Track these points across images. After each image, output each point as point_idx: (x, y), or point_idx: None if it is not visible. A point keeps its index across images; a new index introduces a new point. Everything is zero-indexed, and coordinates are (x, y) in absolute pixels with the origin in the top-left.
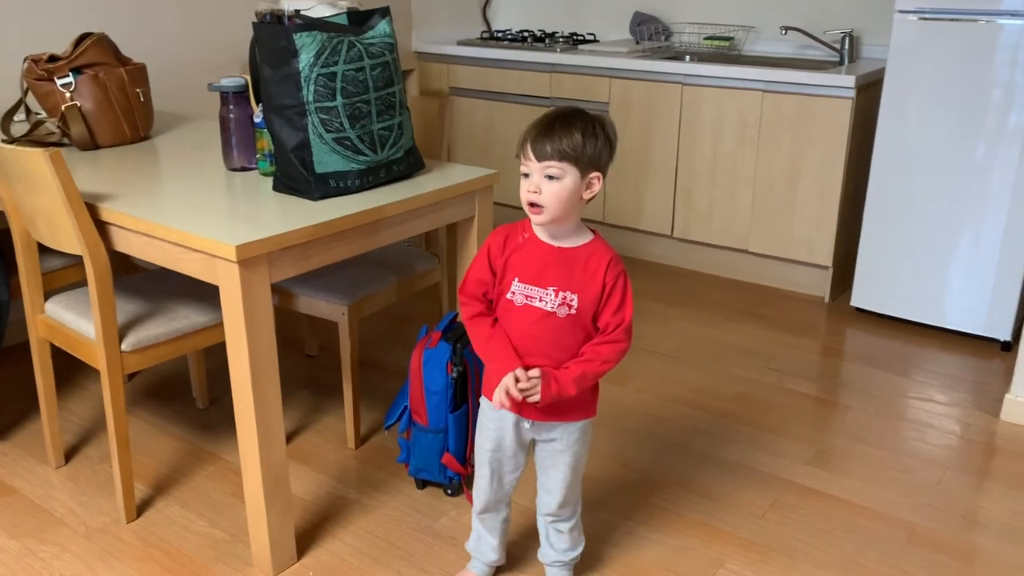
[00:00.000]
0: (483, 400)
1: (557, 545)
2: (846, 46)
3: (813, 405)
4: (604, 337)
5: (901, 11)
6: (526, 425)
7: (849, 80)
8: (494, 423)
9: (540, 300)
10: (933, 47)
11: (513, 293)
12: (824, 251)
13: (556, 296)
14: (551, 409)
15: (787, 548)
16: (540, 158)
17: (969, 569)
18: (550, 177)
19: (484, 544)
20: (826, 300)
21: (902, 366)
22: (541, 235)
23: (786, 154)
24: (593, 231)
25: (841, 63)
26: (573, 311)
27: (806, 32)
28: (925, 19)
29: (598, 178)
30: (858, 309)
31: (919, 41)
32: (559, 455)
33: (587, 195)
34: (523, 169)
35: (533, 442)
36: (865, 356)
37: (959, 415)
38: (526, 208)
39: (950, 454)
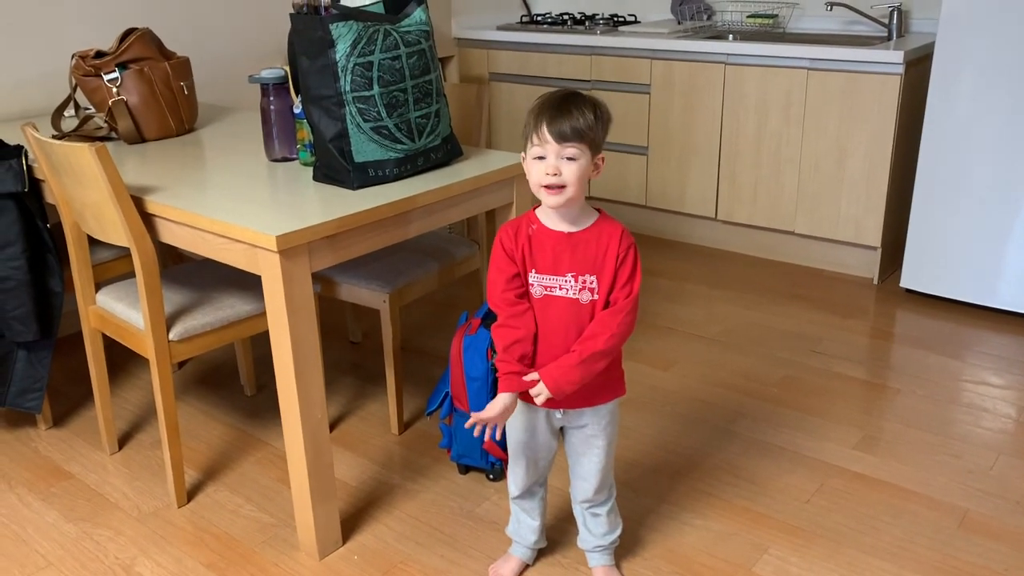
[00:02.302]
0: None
1: (595, 530)
2: (894, 21)
3: (861, 389)
4: (610, 309)
5: None
6: (557, 415)
7: (897, 56)
8: (525, 414)
9: (560, 288)
10: (985, 20)
11: (531, 285)
12: (872, 231)
13: (576, 281)
14: (579, 396)
15: (833, 533)
16: (561, 140)
17: (1023, 556)
18: (569, 158)
19: (524, 527)
20: (875, 281)
21: (954, 348)
22: (549, 223)
23: (833, 133)
24: (598, 209)
25: (889, 38)
26: (596, 295)
27: (852, 7)
28: None
29: (602, 159)
30: (908, 290)
31: (970, 14)
32: (592, 440)
33: (594, 175)
34: (537, 152)
35: (562, 428)
36: (915, 338)
37: (1014, 398)
38: (541, 191)
39: (1004, 438)
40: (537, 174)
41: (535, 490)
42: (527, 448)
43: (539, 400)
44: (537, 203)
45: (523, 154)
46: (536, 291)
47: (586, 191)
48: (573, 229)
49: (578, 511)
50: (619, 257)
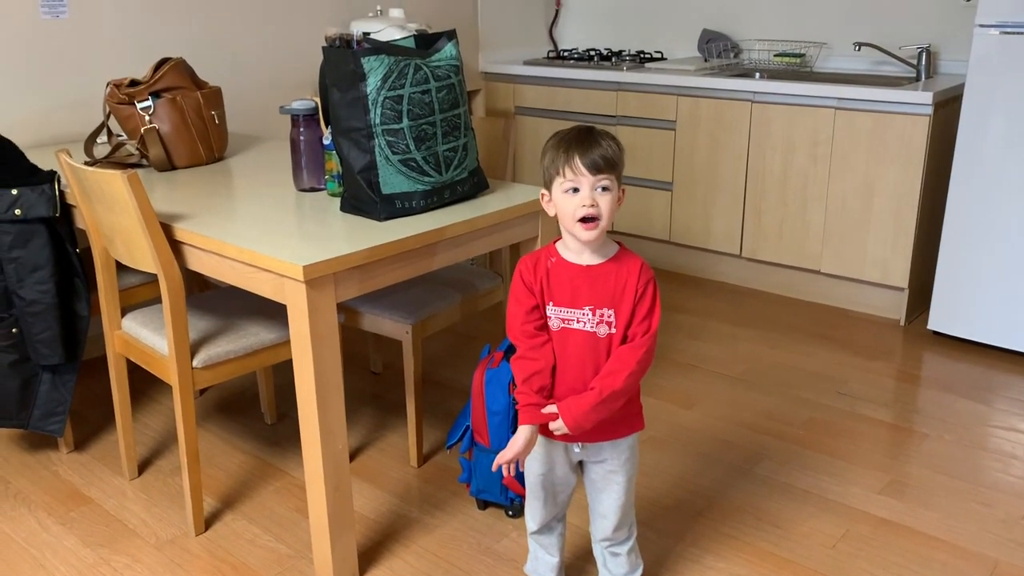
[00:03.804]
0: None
1: (615, 570)
2: (923, 62)
3: (887, 432)
4: (628, 345)
5: (981, 25)
6: (576, 449)
7: (926, 96)
8: (543, 448)
9: (577, 322)
10: (1015, 62)
11: (549, 318)
12: (899, 272)
13: (594, 315)
14: (597, 430)
15: None
16: (596, 171)
17: None
18: (604, 189)
19: (542, 564)
20: (901, 323)
21: (983, 393)
22: (568, 256)
23: (860, 172)
24: (618, 242)
25: (918, 79)
26: (613, 329)
27: (880, 48)
28: (1007, 33)
29: (623, 191)
30: (935, 333)
31: (1000, 56)
32: (612, 476)
33: (616, 208)
34: (569, 185)
35: (582, 463)
36: (943, 382)
37: None
38: (576, 225)
39: None
40: (571, 207)
41: (553, 525)
42: (545, 481)
43: (557, 433)
44: (558, 237)
45: (544, 193)
46: (554, 324)
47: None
48: (592, 262)
49: (598, 550)
50: (638, 292)
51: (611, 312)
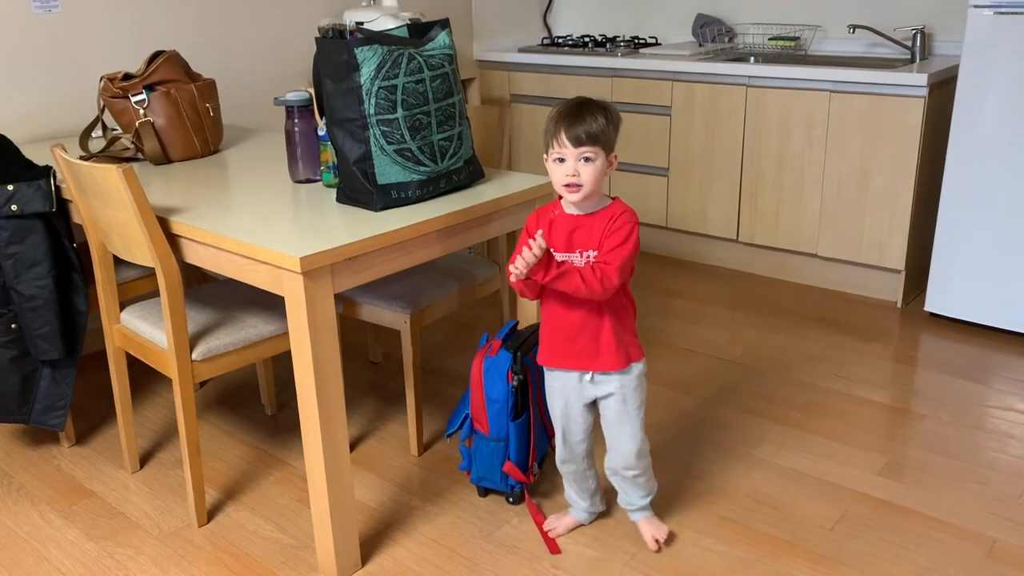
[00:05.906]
0: (546, 370)
1: (633, 494)
2: (917, 43)
3: (885, 414)
4: (598, 266)
5: (975, 6)
6: (586, 378)
7: (921, 78)
8: (559, 381)
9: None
10: (1009, 43)
11: None
12: (896, 254)
13: (581, 256)
14: (603, 359)
15: (857, 562)
16: (577, 144)
17: None
18: (586, 159)
19: (569, 493)
20: (898, 305)
21: (980, 373)
22: (568, 209)
23: (855, 155)
24: (614, 197)
25: (912, 61)
26: None
27: (874, 30)
28: (1001, 13)
29: (615, 156)
30: (932, 314)
31: (995, 36)
32: (622, 405)
33: (609, 171)
34: (556, 155)
35: (596, 403)
36: (940, 363)
37: None
38: (562, 190)
39: None
40: (559, 175)
41: (569, 466)
42: (562, 416)
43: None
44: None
45: (545, 156)
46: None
47: (603, 185)
48: (587, 212)
49: (616, 480)
50: (610, 225)
51: (595, 253)
